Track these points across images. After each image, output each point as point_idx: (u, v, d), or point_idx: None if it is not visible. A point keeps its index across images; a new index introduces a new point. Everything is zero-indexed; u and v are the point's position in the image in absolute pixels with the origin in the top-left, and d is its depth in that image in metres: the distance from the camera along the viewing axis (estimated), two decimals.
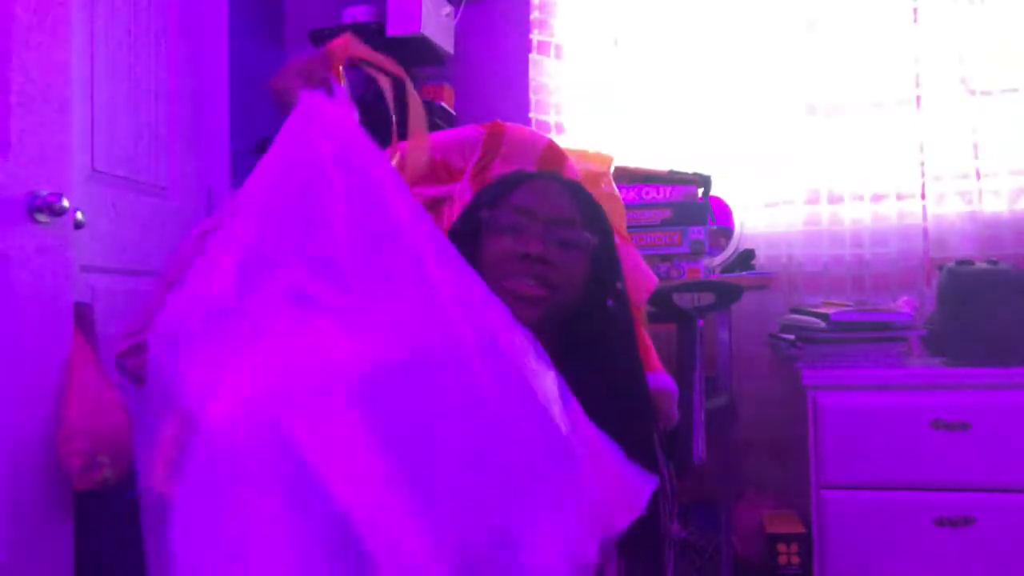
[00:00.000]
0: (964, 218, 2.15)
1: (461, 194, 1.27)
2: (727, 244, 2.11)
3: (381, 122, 2.70)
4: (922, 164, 2.15)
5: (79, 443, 1.45)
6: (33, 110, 1.49)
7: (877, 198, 2.21)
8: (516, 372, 0.82)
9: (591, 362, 1.05)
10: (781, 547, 1.95)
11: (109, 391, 1.55)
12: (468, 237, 1.07)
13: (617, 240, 1.27)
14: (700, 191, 2.01)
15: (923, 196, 2.15)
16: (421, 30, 2.30)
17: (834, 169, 2.23)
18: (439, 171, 1.31)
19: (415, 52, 2.45)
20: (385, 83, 1.05)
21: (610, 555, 1.09)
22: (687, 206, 1.95)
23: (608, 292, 1.10)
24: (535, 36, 2.43)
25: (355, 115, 0.93)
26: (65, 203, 1.49)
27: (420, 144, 1.11)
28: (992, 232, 2.11)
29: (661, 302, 1.48)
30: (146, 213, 2.14)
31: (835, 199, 2.24)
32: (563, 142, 1.56)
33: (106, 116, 1.99)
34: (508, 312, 0.87)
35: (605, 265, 1.10)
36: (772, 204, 2.29)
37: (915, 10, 2.18)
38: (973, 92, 2.13)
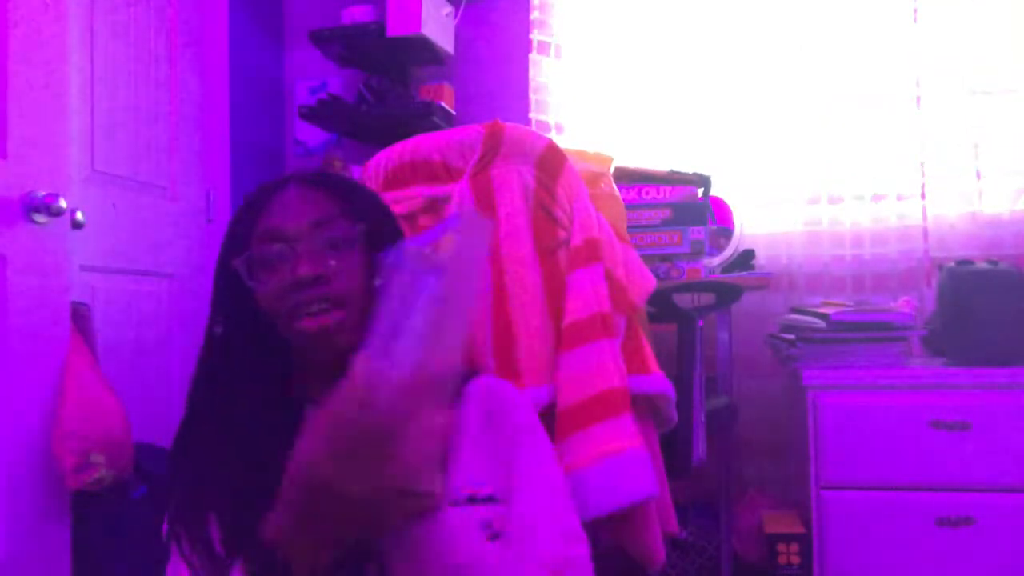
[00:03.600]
0: (964, 218, 2.15)
1: (461, 194, 1.26)
2: (727, 244, 2.10)
3: (376, 122, 2.68)
4: (922, 164, 2.14)
5: (72, 443, 1.45)
6: (31, 110, 1.49)
7: (877, 198, 2.21)
8: None
9: None
10: (781, 547, 1.94)
11: (106, 391, 1.54)
12: (239, 299, 0.92)
13: (616, 240, 1.26)
14: (700, 191, 2.00)
15: (923, 196, 2.15)
16: (421, 30, 2.30)
17: (834, 169, 2.23)
18: (438, 171, 1.30)
19: (415, 52, 2.45)
20: None
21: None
22: (687, 206, 1.95)
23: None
24: (535, 36, 2.43)
25: None
26: (63, 203, 1.49)
27: None
28: (992, 232, 2.11)
29: (661, 302, 1.47)
30: (146, 213, 2.14)
31: (835, 199, 2.24)
32: (563, 142, 1.55)
33: (106, 116, 1.99)
34: None
35: (387, 244, 0.86)
36: (772, 204, 2.29)
37: (915, 10, 2.18)
38: (973, 92, 2.13)
